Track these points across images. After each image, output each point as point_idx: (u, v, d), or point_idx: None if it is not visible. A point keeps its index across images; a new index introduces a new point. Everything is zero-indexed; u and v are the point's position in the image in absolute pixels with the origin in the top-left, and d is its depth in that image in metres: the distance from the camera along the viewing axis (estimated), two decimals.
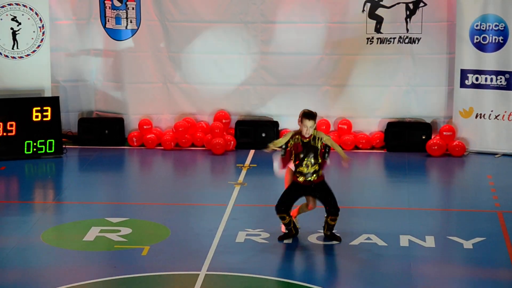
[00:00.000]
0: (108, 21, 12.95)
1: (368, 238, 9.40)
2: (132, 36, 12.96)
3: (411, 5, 12.54)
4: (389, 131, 12.74)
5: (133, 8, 12.88)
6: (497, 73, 12.25)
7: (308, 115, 9.02)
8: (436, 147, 12.41)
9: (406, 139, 12.64)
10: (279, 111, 13.00)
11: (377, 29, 12.66)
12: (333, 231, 9.29)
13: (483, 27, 12.23)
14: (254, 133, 12.88)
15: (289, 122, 12.99)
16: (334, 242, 9.22)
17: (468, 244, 9.23)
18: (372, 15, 12.64)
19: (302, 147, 9.03)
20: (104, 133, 13.02)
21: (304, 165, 9.05)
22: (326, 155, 9.08)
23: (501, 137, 12.31)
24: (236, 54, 12.90)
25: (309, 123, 8.97)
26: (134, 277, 8.43)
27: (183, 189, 11.36)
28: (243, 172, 11.79)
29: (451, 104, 12.61)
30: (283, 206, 9.21)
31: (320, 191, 9.13)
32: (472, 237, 9.37)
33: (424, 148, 12.48)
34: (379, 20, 12.64)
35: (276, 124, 12.94)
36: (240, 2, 12.76)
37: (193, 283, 8.32)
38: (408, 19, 12.57)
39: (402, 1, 12.56)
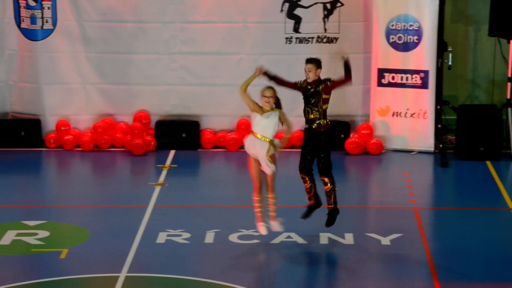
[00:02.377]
0: (23, 21, 12.72)
1: (289, 237, 9.48)
2: (48, 36, 12.76)
3: (328, 5, 12.69)
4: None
5: (48, 8, 12.68)
6: (412, 72, 12.49)
7: (307, 59, 9.10)
8: (354, 146, 12.59)
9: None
10: (200, 111, 12.99)
11: (296, 29, 12.77)
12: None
13: (398, 27, 12.46)
14: (175, 133, 12.83)
15: (210, 122, 13.00)
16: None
17: (385, 241, 9.39)
18: (290, 15, 12.75)
19: (304, 93, 9.07)
20: (20, 134, 12.80)
21: (305, 112, 9.09)
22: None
23: (417, 135, 12.56)
24: (155, 54, 12.84)
25: (306, 66, 9.04)
26: (52, 281, 8.31)
27: (102, 190, 11.24)
28: (164, 172, 11.74)
29: (369, 103, 12.81)
30: (302, 163, 9.10)
31: (322, 142, 9.08)
32: (390, 234, 9.53)
33: (343, 146, 12.64)
34: (297, 20, 12.75)
35: (196, 124, 12.92)
36: (158, 2, 12.70)
37: (113, 285, 8.25)
38: (325, 19, 12.72)
39: (319, 1, 12.70)
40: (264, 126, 9.02)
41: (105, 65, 12.86)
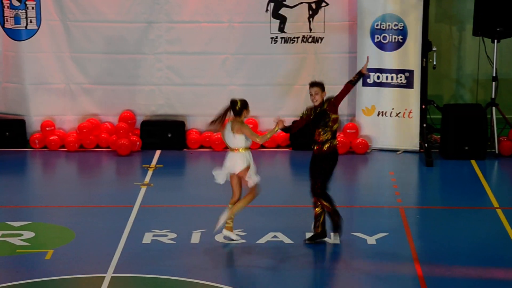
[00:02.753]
0: (7, 21, 12.67)
1: (275, 236, 9.49)
2: (32, 36, 12.72)
3: (313, 5, 12.71)
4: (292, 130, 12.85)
5: (32, 8, 12.63)
6: (397, 71, 12.52)
7: (311, 83, 9.17)
8: (340, 145, 12.59)
9: (311, 137, 12.77)
10: (185, 111, 12.98)
11: (281, 29, 12.79)
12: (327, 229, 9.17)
13: (383, 26, 12.49)
14: (160, 133, 12.82)
15: (195, 122, 12.99)
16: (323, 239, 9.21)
17: (371, 240, 9.42)
18: (275, 14, 12.76)
19: (312, 117, 9.08)
20: (4, 135, 12.73)
21: (316, 134, 9.09)
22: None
23: (402, 134, 12.59)
24: (140, 54, 12.81)
25: (311, 90, 9.09)
26: (37, 282, 8.27)
27: (88, 191, 11.21)
28: (149, 172, 11.72)
29: (354, 102, 12.83)
30: (318, 187, 9.09)
31: (333, 163, 9.09)
32: (376, 233, 9.55)
33: None
34: (282, 20, 12.76)
35: (182, 124, 12.91)
36: (143, 1, 12.68)
37: (99, 285, 8.23)
38: (311, 19, 12.74)
39: (304, 1, 12.72)
40: None
41: (90, 65, 12.82)
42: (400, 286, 8.43)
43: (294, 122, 9.44)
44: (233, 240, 9.23)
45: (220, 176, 9.18)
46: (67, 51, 12.76)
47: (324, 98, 9.17)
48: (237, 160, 9.08)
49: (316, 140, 9.14)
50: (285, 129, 9.29)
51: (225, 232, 9.21)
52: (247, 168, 9.09)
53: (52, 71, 12.81)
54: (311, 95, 9.16)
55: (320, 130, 9.10)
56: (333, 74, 12.90)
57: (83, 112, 12.94)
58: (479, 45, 13.00)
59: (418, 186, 11.67)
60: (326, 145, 9.12)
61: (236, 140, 9.12)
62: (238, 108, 9.13)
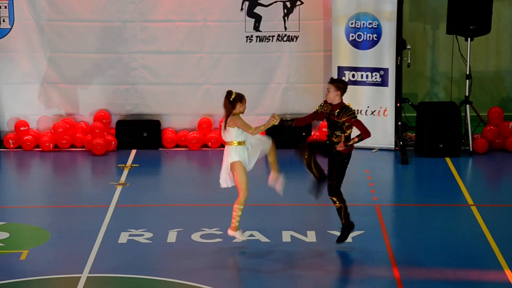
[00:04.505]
0: None
1: (251, 235, 9.50)
2: (5, 35, 12.63)
3: (288, 4, 12.74)
4: (269, 128, 12.85)
5: (5, 7, 12.55)
6: (372, 70, 12.58)
7: (330, 79, 8.99)
8: None
9: (286, 136, 12.81)
10: (161, 110, 12.96)
11: (256, 27, 12.80)
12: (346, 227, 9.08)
13: (357, 25, 12.54)
14: (136, 132, 12.78)
15: (171, 121, 12.97)
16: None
17: (347, 238, 9.44)
18: (250, 13, 12.77)
19: (327, 119, 8.98)
20: None
21: (330, 135, 9.00)
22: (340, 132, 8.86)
23: (377, 132, 12.64)
24: (115, 54, 12.77)
25: (328, 85, 8.93)
26: (12, 282, 8.22)
27: (63, 191, 11.15)
28: (125, 172, 11.69)
29: None
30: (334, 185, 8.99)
31: (340, 161, 8.99)
32: (352, 231, 9.58)
33: None
34: (257, 19, 12.78)
35: (157, 123, 12.88)
36: (118, 0, 12.63)
37: (75, 286, 8.20)
38: (285, 17, 12.77)
39: None
40: None
41: (64, 65, 12.76)
42: (376, 284, 8.47)
43: (301, 118, 9.19)
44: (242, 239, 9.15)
45: (224, 179, 9.07)
46: (41, 50, 12.69)
47: (345, 103, 8.97)
48: (231, 153, 8.98)
49: (333, 141, 9.04)
50: (284, 124, 9.10)
51: (231, 232, 9.11)
52: (240, 162, 8.95)
53: (26, 70, 12.73)
54: (327, 91, 9.01)
55: (334, 134, 8.99)
56: (308, 73, 12.93)
57: (57, 111, 12.88)
58: (453, 43, 13.09)
59: (393, 184, 11.73)
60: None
61: (228, 133, 9.02)
62: (232, 99, 9.00)
